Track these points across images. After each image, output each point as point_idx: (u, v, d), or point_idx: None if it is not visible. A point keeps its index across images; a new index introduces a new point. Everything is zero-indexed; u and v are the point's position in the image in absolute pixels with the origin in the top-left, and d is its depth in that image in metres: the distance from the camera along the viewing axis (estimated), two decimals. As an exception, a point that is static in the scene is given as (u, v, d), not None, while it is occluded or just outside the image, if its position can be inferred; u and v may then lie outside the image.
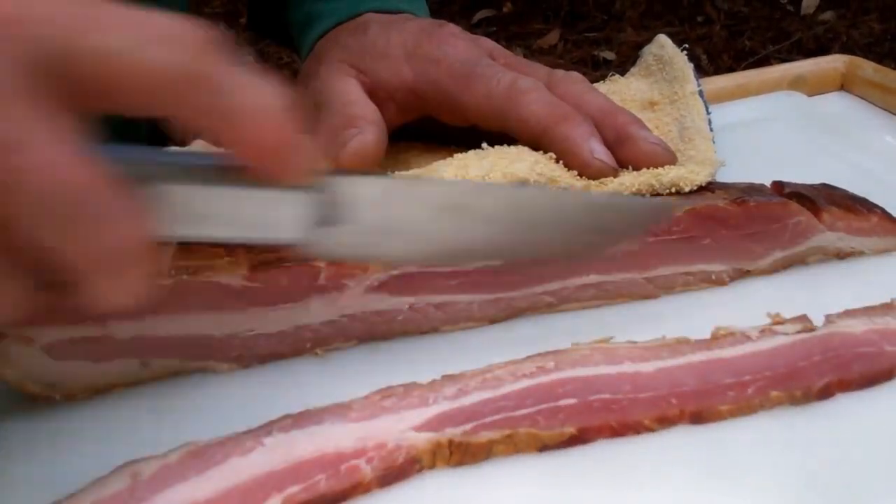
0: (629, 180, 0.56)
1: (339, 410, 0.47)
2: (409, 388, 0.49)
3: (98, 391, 0.52)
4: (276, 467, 0.45)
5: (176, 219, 0.37)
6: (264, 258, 0.51)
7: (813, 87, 0.86)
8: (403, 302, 0.55)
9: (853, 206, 0.60)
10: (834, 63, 0.88)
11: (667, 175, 0.57)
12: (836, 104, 0.85)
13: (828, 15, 2.70)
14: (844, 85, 0.87)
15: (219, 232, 0.39)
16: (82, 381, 0.51)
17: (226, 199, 0.38)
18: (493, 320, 0.57)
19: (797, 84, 0.86)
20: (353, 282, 0.53)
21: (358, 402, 0.48)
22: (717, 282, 0.59)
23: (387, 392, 0.48)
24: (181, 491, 0.43)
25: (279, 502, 0.43)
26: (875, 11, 2.66)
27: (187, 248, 0.50)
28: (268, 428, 0.46)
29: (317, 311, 0.53)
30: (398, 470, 0.45)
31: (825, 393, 0.50)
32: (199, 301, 0.51)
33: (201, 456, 0.45)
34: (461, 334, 0.57)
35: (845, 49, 2.33)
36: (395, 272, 0.53)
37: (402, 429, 0.46)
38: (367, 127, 0.59)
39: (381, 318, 0.55)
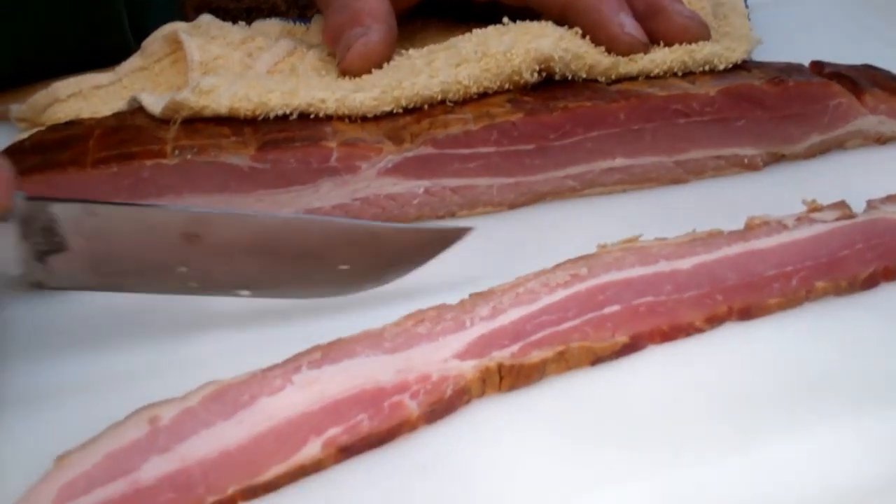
0: (660, 57, 0.53)
1: (372, 340, 0.43)
2: (441, 310, 0.45)
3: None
4: (311, 407, 0.41)
5: None
6: (272, 137, 0.48)
7: None
8: (418, 185, 0.52)
9: (896, 87, 0.57)
10: None
11: (700, 52, 0.54)
12: None
13: None
14: None
15: None
16: None
17: None
18: (513, 205, 0.54)
19: None
20: (366, 163, 0.49)
21: (389, 329, 0.44)
22: (750, 166, 0.56)
23: (418, 316, 0.44)
24: (207, 437, 0.39)
25: (319, 446, 0.40)
26: None
27: (192, 126, 0.49)
28: (296, 363, 0.42)
29: (327, 194, 0.51)
30: (447, 403, 0.42)
31: (871, 282, 0.48)
32: (204, 182, 0.48)
33: (225, 397, 0.41)
34: (478, 220, 0.53)
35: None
36: (409, 154, 0.50)
37: (443, 357, 0.43)
38: (372, 25, 0.54)
39: (395, 202, 0.52)
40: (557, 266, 0.47)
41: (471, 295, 0.46)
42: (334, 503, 0.38)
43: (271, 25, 0.62)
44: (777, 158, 0.57)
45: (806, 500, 0.38)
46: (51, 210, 0.41)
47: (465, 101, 0.52)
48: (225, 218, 0.43)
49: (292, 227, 0.44)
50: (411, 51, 0.55)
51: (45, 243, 0.40)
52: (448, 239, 0.47)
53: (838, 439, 0.41)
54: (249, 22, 0.62)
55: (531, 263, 0.48)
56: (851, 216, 0.51)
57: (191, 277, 0.44)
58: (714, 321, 0.46)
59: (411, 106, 0.51)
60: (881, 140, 0.59)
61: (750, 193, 0.55)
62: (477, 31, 0.54)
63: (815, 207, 0.51)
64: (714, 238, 0.49)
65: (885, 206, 0.52)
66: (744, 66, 0.55)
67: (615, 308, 0.45)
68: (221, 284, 0.45)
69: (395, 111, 0.52)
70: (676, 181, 0.56)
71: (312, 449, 0.39)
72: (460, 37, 0.54)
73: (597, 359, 0.44)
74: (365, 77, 0.53)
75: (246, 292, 0.45)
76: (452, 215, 0.54)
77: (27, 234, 0.40)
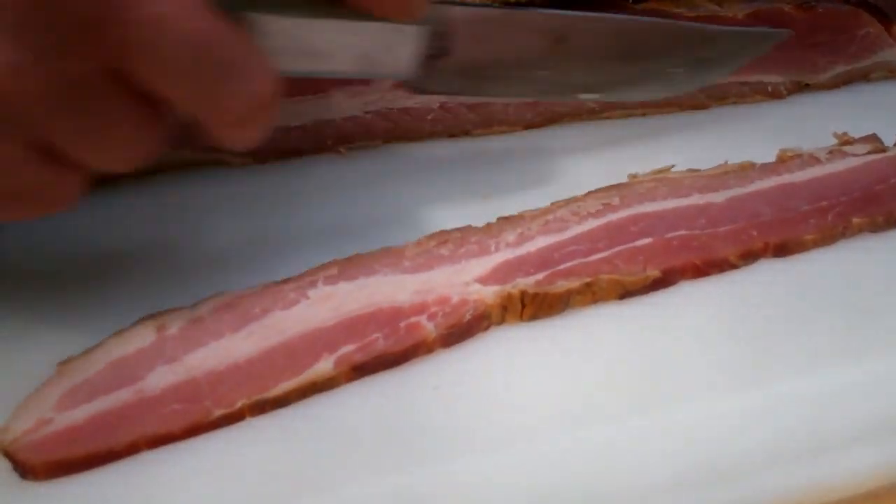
0: None
1: (392, 258, 0.41)
2: (466, 233, 0.43)
3: (104, 182, 0.46)
4: (325, 323, 0.39)
5: (283, 53, 0.34)
6: None
7: None
8: (434, 100, 0.50)
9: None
10: None
11: None
12: None
13: None
14: None
15: (325, 66, 0.37)
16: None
17: (334, 33, 0.36)
18: (529, 126, 0.52)
19: None
20: None
21: (411, 248, 0.42)
22: (774, 94, 0.55)
23: (442, 237, 0.42)
24: (216, 349, 0.37)
25: (332, 363, 0.38)
26: None
27: None
28: (311, 278, 0.40)
29: (340, 105, 0.49)
30: (465, 327, 0.40)
31: (908, 218, 0.46)
32: None
33: (236, 309, 0.39)
34: (495, 139, 0.52)
35: None
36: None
37: (465, 280, 0.41)
38: None
39: (409, 116, 0.50)
40: (588, 194, 0.45)
41: (498, 219, 0.44)
42: (345, 421, 0.37)
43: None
44: (801, 87, 0.55)
45: (827, 434, 0.38)
46: (449, 14, 0.40)
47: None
48: (592, 20, 0.43)
49: (644, 28, 0.44)
50: None
51: (434, 47, 0.40)
52: (767, 40, 0.47)
53: (867, 378, 0.40)
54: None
55: (553, 186, 0.47)
56: (883, 150, 0.49)
57: (547, 82, 0.44)
58: (749, 257, 0.44)
59: None
60: None
61: (775, 122, 0.53)
62: None
63: (846, 140, 0.50)
64: (746, 171, 0.47)
65: (916, 139, 0.50)
66: None
67: (647, 241, 0.43)
68: (572, 88, 0.45)
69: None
70: (697, 106, 0.54)
71: (325, 366, 0.38)
72: None
73: (625, 292, 0.42)
74: None
75: (588, 95, 0.46)
76: (467, 133, 0.52)
77: (425, 38, 0.39)
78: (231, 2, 0.31)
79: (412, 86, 0.41)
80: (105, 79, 0.30)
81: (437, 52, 0.40)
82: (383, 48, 0.37)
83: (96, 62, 0.29)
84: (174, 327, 0.38)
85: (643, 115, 0.53)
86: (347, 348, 0.38)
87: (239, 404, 0.36)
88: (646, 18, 0.45)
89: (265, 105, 0.32)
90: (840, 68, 0.55)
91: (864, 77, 0.56)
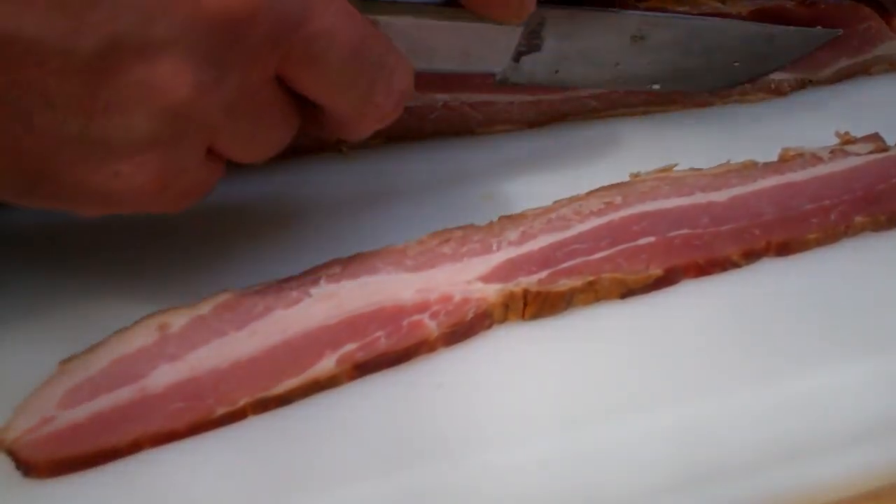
0: None
1: (394, 257, 0.41)
2: (468, 231, 0.43)
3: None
4: (327, 321, 0.39)
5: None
6: None
7: None
8: (437, 99, 0.50)
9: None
10: None
11: None
12: None
13: None
14: None
15: (429, 64, 0.40)
16: None
17: (446, 33, 0.39)
18: (532, 124, 0.52)
19: None
20: None
21: (413, 247, 0.42)
22: (777, 91, 0.55)
23: (444, 236, 0.42)
24: (218, 347, 0.37)
25: (334, 361, 0.38)
26: None
27: None
28: (314, 276, 0.40)
29: None
30: (467, 326, 0.40)
31: (909, 217, 0.46)
32: None
33: (239, 307, 0.39)
34: (498, 138, 0.52)
35: None
36: None
37: (467, 279, 0.41)
38: None
39: (412, 115, 0.50)
40: (591, 193, 0.45)
41: (500, 217, 0.44)
42: (347, 419, 0.37)
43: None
44: (803, 84, 0.55)
45: (830, 433, 0.38)
46: (543, 14, 0.43)
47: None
48: (668, 20, 0.47)
49: (715, 27, 0.48)
50: None
51: (525, 44, 0.43)
52: (820, 38, 0.51)
53: (868, 377, 0.40)
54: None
55: (556, 185, 0.46)
56: (885, 149, 0.49)
57: (624, 74, 0.47)
58: (751, 256, 0.44)
59: None
60: None
61: (777, 121, 0.53)
62: None
63: (848, 140, 0.50)
64: (749, 169, 0.47)
65: (920, 138, 0.50)
66: None
67: (650, 239, 0.43)
68: (643, 80, 0.48)
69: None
70: (700, 105, 0.54)
71: (327, 364, 0.38)
72: None
73: (628, 291, 0.42)
74: None
75: (657, 87, 0.49)
76: (470, 132, 0.52)
77: (521, 35, 0.42)
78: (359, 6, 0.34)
79: (499, 79, 0.43)
80: (272, 86, 0.33)
81: (527, 49, 0.43)
82: (484, 46, 0.41)
83: (267, 74, 0.33)
84: (177, 325, 0.38)
85: (645, 113, 0.53)
86: (350, 347, 0.38)
87: (241, 402, 0.36)
88: (714, 19, 0.50)
89: (408, 98, 0.37)
90: (842, 63, 0.55)
91: (865, 71, 0.56)
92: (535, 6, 0.41)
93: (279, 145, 0.36)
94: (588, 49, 0.45)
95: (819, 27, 0.51)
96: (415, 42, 0.39)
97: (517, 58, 0.43)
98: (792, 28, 0.50)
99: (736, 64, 0.49)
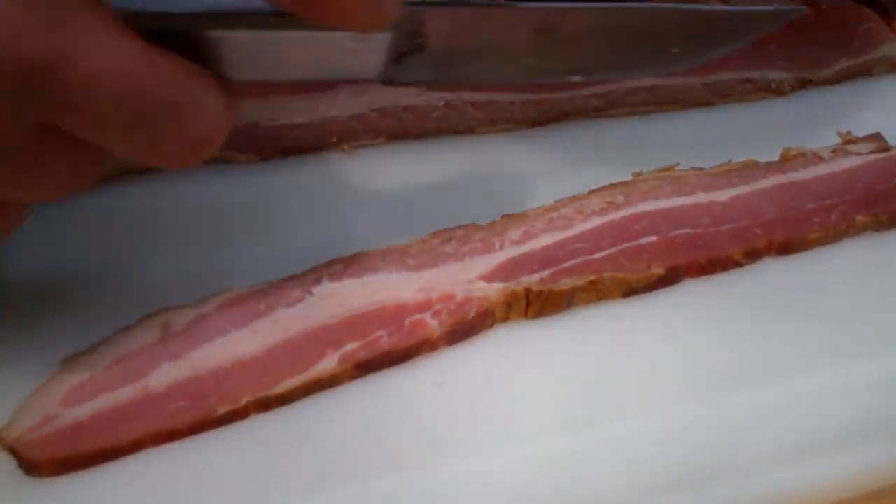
0: None
1: (396, 256, 0.41)
2: (470, 230, 0.43)
3: (109, 177, 0.46)
4: (329, 320, 0.39)
5: (238, 65, 0.33)
6: None
7: None
8: (438, 98, 0.50)
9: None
10: None
11: None
12: None
13: None
14: None
15: (294, 75, 0.36)
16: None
17: (294, 45, 0.34)
18: (534, 123, 0.52)
19: None
20: None
21: (415, 246, 0.42)
22: (777, 91, 0.54)
23: (446, 235, 0.42)
24: (221, 345, 0.38)
25: (336, 360, 0.38)
26: None
27: None
28: (316, 275, 0.40)
29: (345, 103, 0.49)
30: (469, 325, 0.40)
31: (910, 216, 0.46)
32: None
33: (241, 306, 0.39)
34: (500, 137, 0.51)
35: None
36: None
37: (469, 278, 0.41)
38: None
39: (414, 114, 0.50)
40: (592, 192, 0.45)
41: (502, 216, 0.44)
42: (349, 418, 0.37)
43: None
44: (804, 84, 0.55)
45: (830, 433, 0.38)
46: (421, 16, 0.39)
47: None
48: (580, 11, 0.42)
49: (642, 15, 0.43)
50: None
51: (406, 45, 0.39)
52: (774, 20, 0.46)
53: (868, 378, 0.40)
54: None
55: (557, 184, 0.46)
56: (886, 149, 0.49)
57: (534, 68, 0.43)
58: (753, 255, 0.44)
59: None
60: None
61: (777, 120, 0.53)
62: None
63: (849, 139, 0.50)
64: (750, 169, 0.47)
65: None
66: None
67: (651, 239, 0.43)
68: (559, 72, 0.44)
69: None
70: (701, 104, 0.54)
71: (329, 363, 0.38)
72: None
73: (630, 290, 0.42)
74: None
75: (578, 77, 0.45)
76: (472, 131, 0.51)
77: (395, 39, 0.38)
78: (182, 23, 0.31)
79: (381, 81, 0.39)
80: (38, 132, 0.30)
81: (409, 50, 0.39)
82: (344, 55, 0.36)
83: (29, 119, 0.29)
84: (179, 324, 0.38)
85: (647, 112, 0.53)
86: (352, 346, 0.38)
87: (243, 401, 0.36)
88: (639, 5, 0.44)
89: (210, 139, 0.32)
90: (843, 63, 0.55)
91: (866, 72, 0.56)
92: (403, 8, 0.36)
93: (78, 185, 0.33)
94: (484, 46, 0.41)
95: (771, 6, 0.50)
96: (259, 56, 0.34)
97: (398, 59, 0.39)
98: (736, 9, 0.47)
99: (674, 50, 0.46)
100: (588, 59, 0.43)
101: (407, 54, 0.39)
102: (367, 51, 0.37)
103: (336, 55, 0.36)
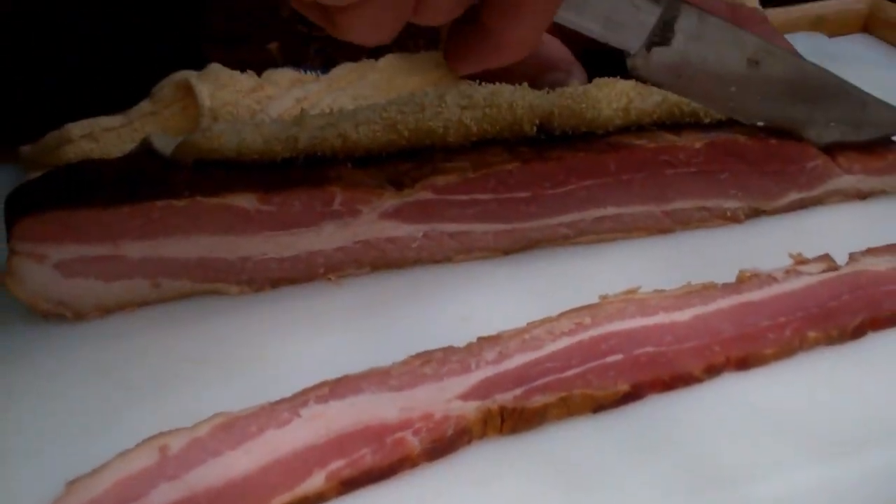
0: (648, 108, 0.55)
1: (379, 378, 0.44)
2: (448, 352, 0.46)
3: (108, 311, 0.50)
4: (316, 440, 0.41)
5: None
6: (278, 180, 0.49)
7: (834, 29, 0.84)
8: (417, 229, 0.53)
9: (870, 146, 0.59)
10: (856, 4, 0.86)
11: (688, 105, 0.56)
12: (857, 45, 0.83)
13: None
14: (867, 27, 0.85)
15: (585, 20, 0.45)
16: (93, 301, 0.49)
17: None
18: (508, 251, 0.55)
19: (818, 25, 0.84)
20: (367, 207, 0.51)
21: (397, 368, 0.45)
22: (733, 219, 0.58)
23: (425, 357, 0.45)
24: (215, 466, 0.40)
25: (323, 478, 0.40)
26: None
27: (201, 169, 0.49)
28: (304, 397, 0.43)
29: (330, 237, 0.52)
30: (448, 442, 0.43)
31: (859, 331, 0.50)
32: (212, 223, 0.49)
33: (234, 428, 0.41)
34: (475, 265, 0.55)
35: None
36: (409, 199, 0.51)
37: (447, 397, 0.44)
38: (572, 69, 0.58)
39: (395, 245, 0.53)
40: (562, 314, 0.48)
41: (478, 339, 0.47)
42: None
43: (282, 75, 0.63)
44: (758, 213, 0.59)
45: None
46: (678, 7, 0.48)
47: (465, 150, 0.54)
48: (782, 52, 0.51)
49: (816, 74, 0.53)
50: (427, 88, 0.56)
51: (659, 35, 0.47)
52: None
53: (822, 484, 0.42)
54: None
55: (529, 308, 0.49)
56: (835, 268, 0.53)
57: (735, 98, 0.52)
58: (712, 371, 0.47)
59: (412, 138, 0.52)
60: (861, 196, 0.61)
61: (734, 245, 0.57)
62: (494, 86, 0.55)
63: (801, 260, 0.53)
64: (709, 290, 0.51)
65: (867, 258, 0.54)
66: (728, 122, 0.56)
67: (617, 357, 0.46)
68: (749, 113, 0.53)
69: (395, 150, 0.53)
70: (664, 231, 0.57)
71: (316, 481, 0.40)
72: (476, 84, 0.55)
73: (598, 406, 0.45)
74: (370, 106, 0.54)
75: (761, 123, 0.54)
76: (449, 260, 0.55)
77: (659, 20, 0.47)
78: None
79: (630, 65, 0.48)
80: None
81: (659, 41, 0.47)
82: (624, 15, 0.46)
83: None
84: (176, 447, 0.40)
85: (613, 240, 0.56)
86: (337, 464, 0.41)
87: (235, 519, 0.38)
88: (817, 66, 0.53)
89: None
90: (794, 196, 0.59)
91: (819, 202, 0.60)
92: None
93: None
94: (710, 59, 0.49)
95: None
96: None
97: (649, 47, 0.47)
98: (883, 101, 0.56)
99: (832, 124, 0.54)
100: (775, 106, 0.51)
101: (657, 44, 0.48)
102: (639, 16, 0.47)
103: (619, 12, 0.46)
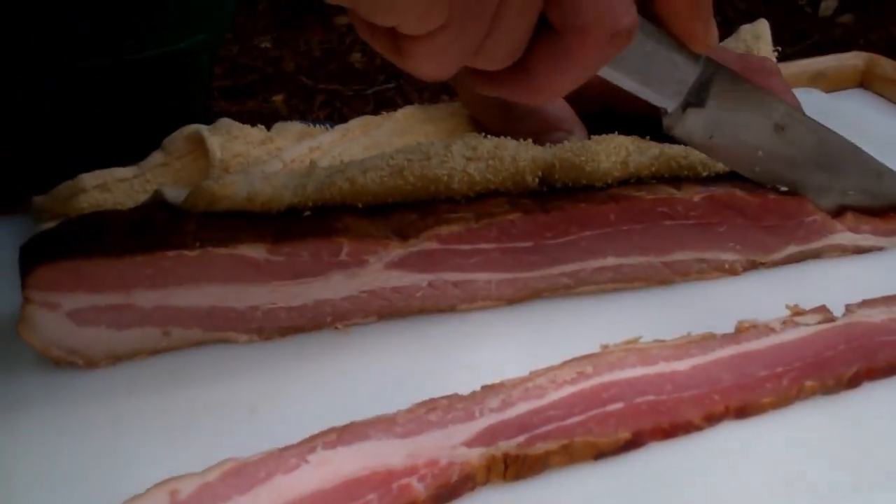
0: (647, 161, 0.56)
1: (385, 425, 0.45)
2: (453, 400, 0.47)
3: (119, 359, 0.51)
4: (324, 486, 0.42)
5: None
6: (287, 231, 0.50)
7: (832, 84, 0.86)
8: (422, 279, 0.54)
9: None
10: (853, 60, 0.87)
11: (687, 158, 0.57)
12: (854, 101, 0.85)
13: (846, 17, 2.57)
14: (863, 82, 0.87)
15: (621, 73, 0.45)
16: (104, 349, 0.50)
17: (636, 44, 0.43)
18: (511, 301, 0.57)
19: (816, 80, 0.85)
20: (374, 258, 0.52)
21: (402, 415, 0.46)
22: (730, 271, 0.59)
23: (431, 405, 0.46)
24: (224, 511, 0.40)
25: (330, 524, 0.41)
26: (894, 14, 2.52)
27: (211, 219, 0.50)
28: (311, 444, 0.44)
29: (337, 286, 0.53)
30: (452, 488, 0.43)
31: (855, 381, 0.51)
32: (222, 272, 0.50)
33: (243, 474, 0.42)
34: (479, 314, 0.56)
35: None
36: (414, 249, 0.52)
37: (452, 444, 0.44)
38: (573, 129, 0.59)
39: (400, 294, 0.54)
40: (564, 363, 0.49)
41: (482, 387, 0.48)
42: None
43: (291, 127, 0.64)
44: (755, 265, 0.60)
45: None
46: (714, 68, 0.49)
47: (468, 200, 0.55)
48: (806, 120, 0.53)
49: (836, 141, 0.55)
50: (433, 139, 0.58)
51: (694, 96, 0.48)
52: None
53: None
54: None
55: (532, 356, 0.50)
56: (832, 320, 0.54)
57: (760, 162, 0.53)
58: (712, 419, 0.48)
59: (418, 185, 0.54)
60: (859, 251, 0.62)
61: (732, 296, 0.58)
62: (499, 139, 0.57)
63: (798, 312, 0.54)
64: (708, 341, 0.52)
65: (862, 310, 0.55)
66: (727, 176, 0.58)
67: (618, 405, 0.47)
68: (775, 177, 0.55)
69: (401, 196, 0.54)
70: (663, 282, 0.58)
71: (324, 526, 0.41)
72: (481, 136, 0.56)
73: (599, 453, 0.46)
74: (378, 154, 0.56)
75: (784, 188, 0.56)
76: (453, 308, 0.56)
77: (695, 81, 0.48)
78: None
79: (666, 123, 0.49)
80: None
81: (695, 102, 0.48)
82: (664, 70, 0.46)
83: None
84: (185, 492, 0.41)
85: (614, 290, 0.57)
86: (344, 509, 0.41)
87: (245, 563, 0.39)
88: (838, 135, 0.55)
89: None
90: (792, 249, 0.60)
91: (816, 256, 0.61)
92: (707, 58, 0.47)
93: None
94: (741, 122, 0.51)
95: None
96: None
97: (684, 107, 0.48)
98: None
99: (850, 193, 0.56)
100: (798, 171, 0.53)
101: (692, 105, 0.49)
102: (680, 74, 0.47)
103: (659, 68, 0.46)
